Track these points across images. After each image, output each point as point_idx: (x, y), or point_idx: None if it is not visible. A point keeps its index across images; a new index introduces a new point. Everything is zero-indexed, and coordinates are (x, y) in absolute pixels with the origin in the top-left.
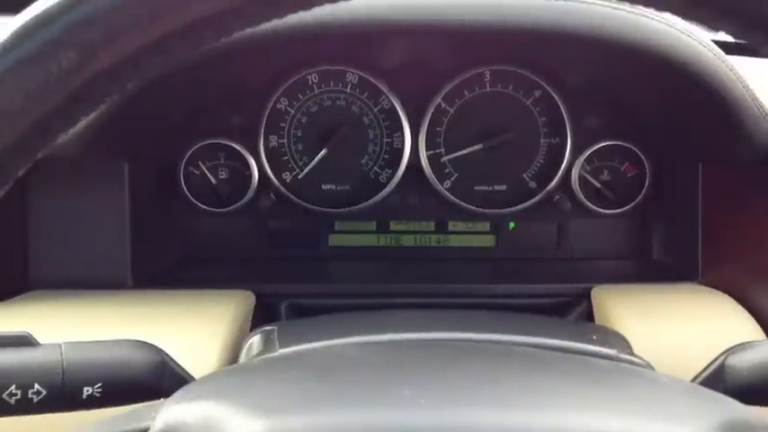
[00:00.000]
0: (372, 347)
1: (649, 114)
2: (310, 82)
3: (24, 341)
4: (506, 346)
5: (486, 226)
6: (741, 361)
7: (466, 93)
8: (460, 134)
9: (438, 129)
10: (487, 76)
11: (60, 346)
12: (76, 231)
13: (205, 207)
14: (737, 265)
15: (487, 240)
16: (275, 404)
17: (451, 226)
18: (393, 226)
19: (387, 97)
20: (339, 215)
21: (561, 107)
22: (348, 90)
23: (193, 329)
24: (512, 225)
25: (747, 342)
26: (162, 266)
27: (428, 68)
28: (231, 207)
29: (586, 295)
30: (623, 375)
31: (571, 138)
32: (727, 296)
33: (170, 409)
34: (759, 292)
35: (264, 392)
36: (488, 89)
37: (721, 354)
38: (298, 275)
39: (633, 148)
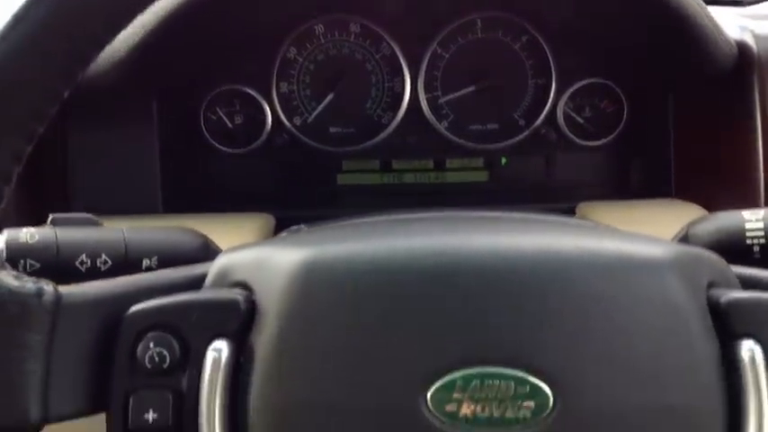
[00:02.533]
0: (391, 218)
1: (623, 49)
2: (317, 32)
3: (90, 221)
4: (505, 214)
5: (480, 162)
6: (701, 229)
7: (459, 39)
8: (456, 77)
9: (435, 73)
10: (479, 23)
11: (121, 228)
12: (112, 163)
13: (223, 148)
14: (706, 181)
15: (481, 176)
16: (315, 242)
17: (448, 163)
18: (395, 165)
19: (387, 44)
20: (345, 154)
21: (546, 50)
22: (351, 39)
23: (224, 237)
24: (504, 161)
25: (706, 215)
26: (187, 198)
27: (424, 16)
28: (247, 148)
29: (572, 211)
30: (603, 227)
31: (555, 78)
32: (698, 205)
33: (223, 257)
34: (725, 201)
35: (304, 239)
36: (480, 35)
37: (685, 226)
38: (311, 205)
39: (611, 85)
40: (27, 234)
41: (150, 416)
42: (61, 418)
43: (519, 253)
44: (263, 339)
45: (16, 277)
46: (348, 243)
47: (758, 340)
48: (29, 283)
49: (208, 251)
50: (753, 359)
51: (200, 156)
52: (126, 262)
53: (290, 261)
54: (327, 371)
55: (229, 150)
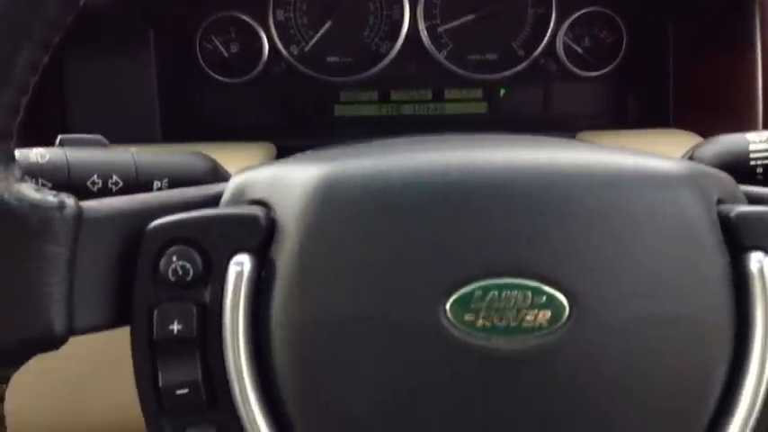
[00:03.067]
0: (405, 139)
1: None
2: None
3: (99, 142)
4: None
5: (479, 93)
6: (706, 150)
7: None
8: (455, 5)
9: (434, 0)
10: None
11: (131, 149)
12: (110, 92)
13: (219, 78)
14: (704, 111)
15: (480, 107)
16: (332, 158)
17: (447, 94)
18: (393, 96)
19: None
20: (343, 84)
21: None
22: None
23: (228, 164)
24: (503, 92)
25: (711, 138)
26: (185, 127)
27: None
28: (243, 78)
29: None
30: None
31: (555, 7)
32: (696, 134)
33: (239, 176)
34: (723, 132)
35: (321, 156)
36: None
37: (690, 148)
38: (308, 136)
39: (611, 14)
40: (37, 154)
41: (175, 327)
42: (86, 331)
43: (535, 166)
44: (284, 255)
45: (37, 190)
46: (365, 159)
47: (766, 252)
48: (50, 197)
49: (217, 175)
50: (761, 270)
51: (197, 85)
52: (137, 184)
53: (309, 177)
54: (347, 284)
55: (226, 80)
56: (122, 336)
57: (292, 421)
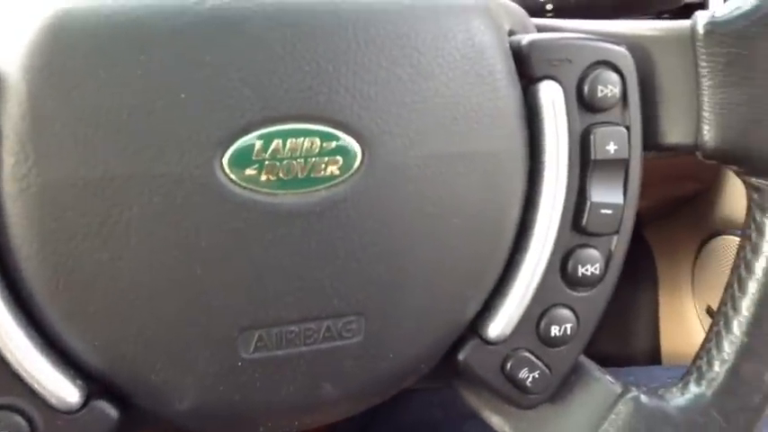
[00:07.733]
0: None
1: None
2: None
3: None
4: None
5: None
6: None
7: None
8: None
9: None
10: None
11: None
12: None
13: None
14: None
15: None
16: None
17: None
18: None
19: None
20: None
21: None
22: None
23: None
24: None
25: None
26: None
27: None
28: None
29: None
30: None
31: None
32: None
33: None
34: None
35: None
36: None
37: None
38: None
39: None
40: None
41: None
42: None
43: None
44: (12, 112)
45: None
46: None
47: (558, 81)
48: None
49: None
50: (552, 101)
51: None
52: None
53: (34, 13)
54: (95, 139)
55: None
56: None
57: (41, 310)
